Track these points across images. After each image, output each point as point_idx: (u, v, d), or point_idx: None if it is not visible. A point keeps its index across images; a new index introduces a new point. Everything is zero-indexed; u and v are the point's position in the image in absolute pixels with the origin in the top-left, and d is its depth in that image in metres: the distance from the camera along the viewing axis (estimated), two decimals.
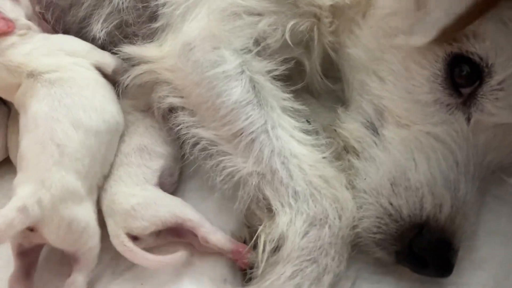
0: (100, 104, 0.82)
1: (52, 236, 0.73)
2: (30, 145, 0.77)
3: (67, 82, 0.81)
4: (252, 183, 0.74)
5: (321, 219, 0.71)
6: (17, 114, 0.87)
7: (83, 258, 0.76)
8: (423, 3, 0.70)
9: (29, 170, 0.76)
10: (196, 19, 0.81)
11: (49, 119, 0.78)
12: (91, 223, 0.77)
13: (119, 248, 0.77)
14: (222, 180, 0.76)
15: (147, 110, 0.89)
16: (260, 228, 0.72)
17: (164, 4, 0.85)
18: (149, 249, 0.79)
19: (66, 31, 0.93)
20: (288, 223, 0.70)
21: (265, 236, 0.71)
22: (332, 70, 0.88)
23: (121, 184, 0.81)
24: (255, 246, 0.75)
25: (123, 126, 0.86)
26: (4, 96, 0.86)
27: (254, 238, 0.73)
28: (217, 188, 0.84)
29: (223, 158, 0.77)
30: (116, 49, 0.86)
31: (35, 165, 0.75)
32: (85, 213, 0.76)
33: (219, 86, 0.78)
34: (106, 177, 0.83)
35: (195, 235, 0.78)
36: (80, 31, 0.92)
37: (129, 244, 0.76)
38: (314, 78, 0.87)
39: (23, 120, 0.81)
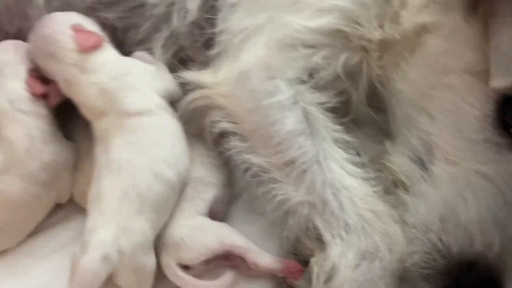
0: (177, 155, 0.83)
1: (126, 282, 0.74)
2: (112, 188, 0.77)
3: (151, 130, 0.82)
4: (302, 213, 0.75)
5: (371, 252, 0.72)
6: (85, 153, 0.88)
7: None
8: (495, 46, 0.71)
9: (108, 214, 0.76)
10: (252, 49, 0.83)
11: (132, 167, 0.78)
12: (154, 267, 0.78)
13: (171, 277, 0.79)
14: (273, 207, 0.77)
15: (198, 135, 0.89)
16: (313, 260, 0.73)
17: (221, 32, 0.87)
18: (199, 274, 0.80)
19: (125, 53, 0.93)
20: (340, 255, 0.71)
21: (318, 268, 0.72)
22: (375, 100, 0.89)
23: (172, 218, 0.82)
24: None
25: None
26: (87, 115, 0.86)
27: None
28: (264, 213, 0.85)
29: (274, 185, 0.78)
30: (174, 74, 0.88)
31: (116, 211, 0.75)
32: (153, 259, 0.78)
33: (274, 115, 0.79)
34: None
35: (243, 259, 0.79)
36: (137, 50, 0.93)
37: (181, 273, 0.78)
38: (359, 109, 0.88)
39: (103, 157, 0.81)
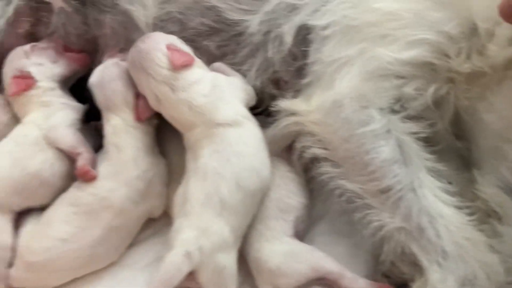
0: (259, 164, 0.87)
1: (206, 281, 0.79)
2: (197, 193, 0.83)
3: (236, 139, 0.86)
4: (398, 239, 0.78)
5: (470, 280, 0.74)
6: (178, 164, 0.93)
7: None
8: None
9: (192, 216, 0.82)
10: (345, 79, 0.86)
11: (216, 175, 0.83)
12: (235, 270, 0.83)
13: None
14: (369, 233, 0.80)
15: (280, 155, 0.94)
16: (416, 285, 0.76)
17: (313, 63, 0.90)
18: None
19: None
20: (440, 281, 0.73)
21: None
22: (458, 129, 0.91)
23: (263, 239, 0.86)
24: None
25: None
26: (178, 127, 0.91)
27: None
28: (347, 235, 0.90)
29: (370, 211, 0.81)
30: (269, 98, 0.93)
31: (199, 214, 0.81)
32: (232, 261, 0.82)
33: (368, 144, 0.82)
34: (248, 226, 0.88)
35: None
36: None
37: None
38: (444, 138, 0.90)
39: (192, 164, 0.86)
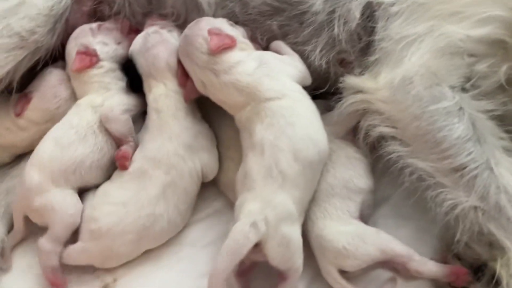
0: (314, 134, 0.85)
1: (273, 252, 0.77)
2: (258, 167, 0.82)
3: (288, 111, 0.85)
4: (474, 218, 0.75)
5: None
6: (230, 141, 0.93)
7: (291, 276, 0.79)
8: None
9: (256, 189, 0.81)
10: (414, 56, 0.83)
11: (274, 147, 0.82)
12: (300, 244, 0.81)
13: (333, 284, 0.81)
14: (443, 212, 0.77)
15: (345, 137, 0.91)
16: (498, 264, 0.73)
17: (380, 40, 0.88)
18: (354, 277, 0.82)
19: None
20: None
21: (506, 271, 0.71)
22: None
23: (327, 217, 0.84)
24: None
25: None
26: (229, 111, 0.90)
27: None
28: (412, 217, 0.88)
29: (442, 190, 0.78)
30: (334, 78, 0.91)
31: (262, 186, 0.80)
32: (298, 234, 0.81)
33: (441, 121, 0.79)
34: (310, 202, 0.86)
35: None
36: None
37: (343, 282, 0.80)
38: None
39: (247, 142, 0.86)
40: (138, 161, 0.90)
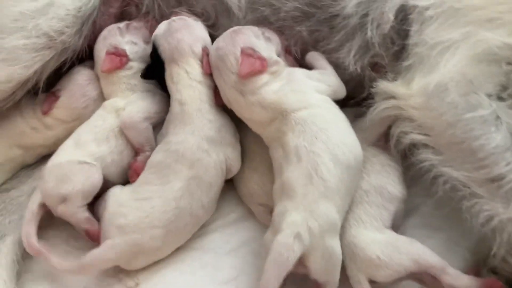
0: (348, 139, 0.83)
1: (316, 265, 0.75)
2: (296, 176, 0.79)
3: (318, 118, 0.82)
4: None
5: None
6: (255, 152, 0.91)
7: None
8: None
9: (297, 199, 0.78)
10: (449, 63, 0.81)
11: (310, 153, 0.79)
12: (341, 256, 0.78)
13: None
14: (480, 224, 0.74)
15: (378, 144, 0.89)
16: None
17: (414, 45, 0.85)
18: None
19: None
20: None
21: None
22: None
23: (361, 225, 0.82)
24: None
25: None
26: (254, 129, 0.89)
27: None
28: (443, 228, 0.86)
29: (478, 201, 0.75)
30: (369, 84, 0.88)
31: (303, 195, 0.77)
32: (339, 245, 0.78)
33: (477, 130, 0.77)
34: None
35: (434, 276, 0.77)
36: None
37: None
38: None
39: (279, 153, 0.83)
40: (160, 154, 0.88)
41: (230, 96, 0.88)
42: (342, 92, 0.91)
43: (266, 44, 0.91)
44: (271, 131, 0.86)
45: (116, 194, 0.88)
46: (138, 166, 0.90)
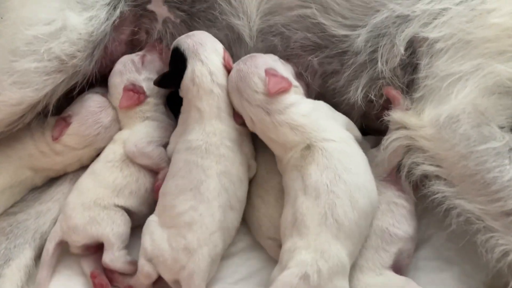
0: (368, 183, 0.80)
1: None
2: (311, 213, 0.77)
3: (345, 156, 0.80)
4: None
5: None
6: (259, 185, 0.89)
7: None
8: None
9: (309, 237, 0.75)
10: (461, 94, 0.79)
11: (330, 193, 0.77)
12: None
13: None
14: (495, 258, 0.72)
15: (387, 179, 0.86)
16: None
17: (425, 77, 0.84)
18: None
19: (320, 95, 0.93)
20: None
21: None
22: None
23: (357, 269, 0.80)
24: None
25: None
26: (276, 151, 0.86)
27: None
28: (456, 261, 0.83)
29: (493, 234, 0.73)
30: (374, 113, 0.87)
31: (316, 235, 0.75)
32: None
33: (490, 162, 0.75)
34: None
35: None
36: (334, 97, 0.93)
37: None
38: None
39: (297, 183, 0.80)
40: (182, 153, 0.86)
41: (255, 116, 0.86)
42: (359, 136, 0.89)
43: (284, 67, 0.90)
44: (294, 157, 0.83)
45: (156, 232, 0.83)
46: (160, 184, 0.89)
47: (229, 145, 0.85)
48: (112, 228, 0.86)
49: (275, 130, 0.85)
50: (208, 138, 0.85)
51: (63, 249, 0.89)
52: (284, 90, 0.85)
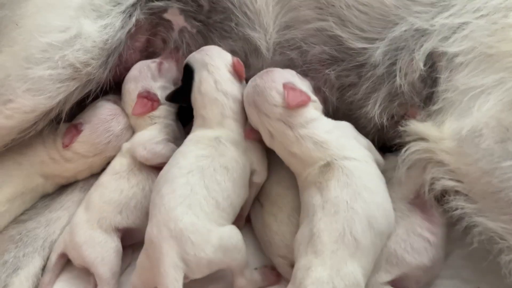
0: (387, 204, 0.77)
1: None
2: (329, 230, 0.73)
3: (366, 174, 0.77)
4: None
5: None
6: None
7: None
8: None
9: (325, 254, 0.71)
10: (483, 108, 0.75)
11: (350, 209, 0.73)
12: None
13: None
14: None
15: (414, 201, 0.81)
16: None
17: (445, 90, 0.80)
18: None
19: (337, 108, 0.91)
20: None
21: None
22: None
23: None
24: None
25: None
26: (294, 167, 0.83)
27: None
28: (473, 281, 0.78)
29: None
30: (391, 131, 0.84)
31: (332, 252, 0.71)
32: None
33: None
34: None
35: None
36: (351, 109, 0.90)
37: None
38: None
39: (316, 199, 0.77)
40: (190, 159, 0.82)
41: (275, 130, 0.83)
42: (380, 160, 0.86)
43: (301, 82, 0.87)
44: (312, 173, 0.79)
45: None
46: None
47: (228, 146, 0.82)
48: (102, 259, 0.82)
49: (298, 144, 0.81)
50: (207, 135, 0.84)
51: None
52: (304, 104, 0.82)
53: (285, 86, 0.83)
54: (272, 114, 0.83)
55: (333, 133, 0.81)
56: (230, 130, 0.85)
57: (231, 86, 0.87)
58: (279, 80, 0.84)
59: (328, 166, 0.78)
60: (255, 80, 0.86)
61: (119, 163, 0.90)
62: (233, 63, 0.88)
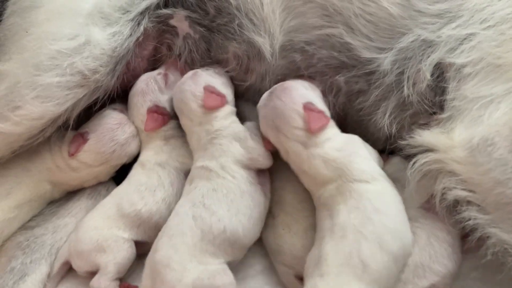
0: (400, 226, 0.73)
1: None
2: (335, 252, 0.70)
3: (376, 196, 0.73)
4: None
5: None
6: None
7: None
8: None
9: (329, 277, 0.68)
10: (494, 115, 0.72)
11: (357, 233, 0.70)
12: None
13: None
14: None
15: (426, 207, 0.78)
16: None
17: (453, 99, 0.77)
18: None
19: (343, 114, 0.88)
20: None
21: None
22: None
23: None
24: None
25: None
26: (307, 185, 0.80)
27: None
28: None
29: None
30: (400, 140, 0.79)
31: (336, 275, 0.68)
32: None
33: None
34: None
35: None
36: (360, 116, 0.86)
37: None
38: None
39: (325, 223, 0.74)
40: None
41: (290, 149, 0.80)
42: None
43: (314, 94, 0.84)
44: (324, 195, 0.77)
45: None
46: None
47: (251, 179, 0.81)
48: (115, 257, 0.80)
49: (309, 163, 0.78)
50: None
51: None
52: (324, 127, 0.79)
53: (305, 108, 0.80)
54: (292, 136, 0.80)
55: (344, 151, 0.78)
56: (247, 151, 0.83)
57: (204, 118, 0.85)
58: (298, 101, 0.81)
59: (337, 189, 0.75)
60: (273, 101, 0.82)
61: (146, 176, 0.87)
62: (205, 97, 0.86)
